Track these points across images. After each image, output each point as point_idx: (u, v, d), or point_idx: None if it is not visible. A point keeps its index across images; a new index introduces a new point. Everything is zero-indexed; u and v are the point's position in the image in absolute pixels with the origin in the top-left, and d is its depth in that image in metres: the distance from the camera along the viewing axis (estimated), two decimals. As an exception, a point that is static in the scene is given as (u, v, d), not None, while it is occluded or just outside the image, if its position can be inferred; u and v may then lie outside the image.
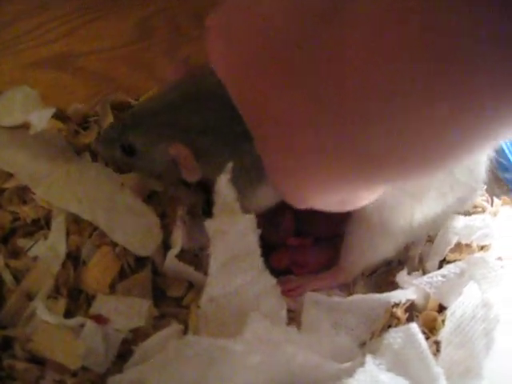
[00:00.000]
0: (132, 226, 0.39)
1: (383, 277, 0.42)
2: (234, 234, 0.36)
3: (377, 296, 0.36)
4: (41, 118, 0.38)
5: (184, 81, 0.36)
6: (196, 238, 0.41)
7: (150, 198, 0.43)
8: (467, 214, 0.41)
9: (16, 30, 0.54)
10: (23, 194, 0.41)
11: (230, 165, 0.33)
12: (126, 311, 0.36)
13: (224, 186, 0.33)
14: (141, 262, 0.40)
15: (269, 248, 0.40)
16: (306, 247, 0.43)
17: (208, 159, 0.35)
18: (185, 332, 0.35)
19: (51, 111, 0.39)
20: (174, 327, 0.35)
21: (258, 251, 0.36)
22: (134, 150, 0.36)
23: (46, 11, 0.56)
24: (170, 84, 0.36)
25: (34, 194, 0.40)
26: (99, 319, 0.35)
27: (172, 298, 0.39)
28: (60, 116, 0.43)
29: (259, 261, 0.36)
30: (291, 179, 0.28)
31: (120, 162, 0.38)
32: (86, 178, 0.41)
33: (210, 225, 0.36)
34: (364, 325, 0.37)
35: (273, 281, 0.37)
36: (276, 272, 0.38)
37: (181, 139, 0.35)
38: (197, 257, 0.40)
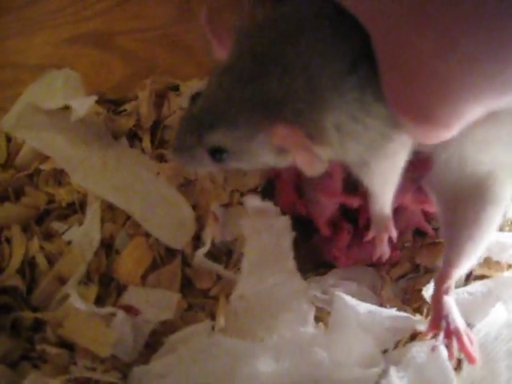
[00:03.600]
0: (166, 217, 0.39)
1: (410, 283, 0.42)
2: (268, 234, 0.36)
3: (404, 316, 0.36)
4: (82, 105, 0.38)
5: (244, 38, 0.27)
6: (228, 232, 0.41)
7: (182, 186, 0.43)
8: (501, 229, 0.41)
9: (52, 4, 0.53)
10: (59, 176, 0.41)
11: None
12: (156, 303, 0.37)
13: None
14: (171, 252, 0.40)
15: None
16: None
17: (330, 136, 0.26)
18: (213, 325, 0.36)
19: (93, 98, 0.39)
20: (204, 324, 0.35)
21: (291, 253, 0.37)
22: (224, 152, 0.28)
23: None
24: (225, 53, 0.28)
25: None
26: (130, 310, 0.36)
27: (199, 289, 0.40)
28: (98, 99, 0.43)
29: (291, 263, 0.37)
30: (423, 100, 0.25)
31: (209, 168, 0.31)
32: (123, 165, 0.41)
33: (245, 224, 0.37)
34: (389, 333, 0.38)
35: (303, 284, 0.37)
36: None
37: (282, 117, 0.26)
38: (229, 252, 0.40)
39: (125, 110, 0.45)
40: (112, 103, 0.46)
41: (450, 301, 0.35)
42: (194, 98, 0.29)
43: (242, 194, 0.42)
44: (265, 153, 0.28)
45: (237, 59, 0.27)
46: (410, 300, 0.40)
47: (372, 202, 0.35)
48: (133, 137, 0.44)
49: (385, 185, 0.33)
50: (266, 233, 0.37)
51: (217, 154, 0.28)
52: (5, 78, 0.49)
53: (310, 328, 0.36)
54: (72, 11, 0.52)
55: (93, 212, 0.39)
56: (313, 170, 0.28)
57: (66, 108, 0.40)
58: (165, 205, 0.40)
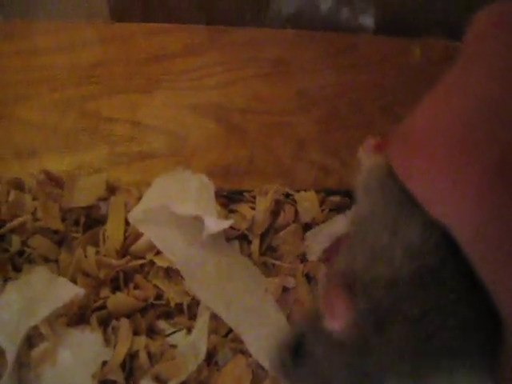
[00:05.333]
0: (268, 339, 0.40)
1: None
2: None
3: None
4: (217, 226, 0.38)
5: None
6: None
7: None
8: None
9: (174, 66, 0.53)
10: (170, 271, 0.42)
11: None
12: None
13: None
14: (267, 373, 0.41)
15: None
16: None
17: None
18: None
19: (228, 223, 0.39)
20: None
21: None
22: None
23: (210, 51, 0.54)
24: None
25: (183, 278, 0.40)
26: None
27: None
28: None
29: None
30: None
31: None
32: (235, 275, 0.42)
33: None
34: None
35: None
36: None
37: None
38: None
39: (237, 211, 0.45)
40: (226, 197, 0.46)
41: None
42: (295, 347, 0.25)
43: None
44: None
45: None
46: None
47: None
48: (242, 238, 0.45)
49: None
50: None
51: None
52: (119, 131, 0.49)
53: None
54: (195, 76, 0.52)
55: (203, 323, 0.40)
56: None
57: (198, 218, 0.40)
58: (269, 326, 0.41)
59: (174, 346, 0.40)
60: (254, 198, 0.46)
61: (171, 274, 0.42)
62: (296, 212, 0.46)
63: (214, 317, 0.41)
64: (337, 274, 0.25)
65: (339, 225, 0.46)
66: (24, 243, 0.41)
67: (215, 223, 0.39)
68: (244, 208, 0.45)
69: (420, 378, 0.23)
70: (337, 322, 0.23)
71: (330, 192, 0.47)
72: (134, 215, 0.41)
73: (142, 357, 0.40)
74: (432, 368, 0.22)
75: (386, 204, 0.24)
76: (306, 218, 0.46)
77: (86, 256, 0.41)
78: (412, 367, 0.22)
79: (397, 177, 0.22)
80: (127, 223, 0.43)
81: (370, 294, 0.23)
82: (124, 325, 0.40)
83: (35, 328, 0.37)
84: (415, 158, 0.21)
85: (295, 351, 0.25)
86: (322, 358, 0.24)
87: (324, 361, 0.24)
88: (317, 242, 0.46)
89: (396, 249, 0.23)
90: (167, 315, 0.42)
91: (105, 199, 0.43)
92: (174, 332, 0.41)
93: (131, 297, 0.41)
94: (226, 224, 0.39)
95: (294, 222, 0.46)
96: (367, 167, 0.26)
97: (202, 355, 0.39)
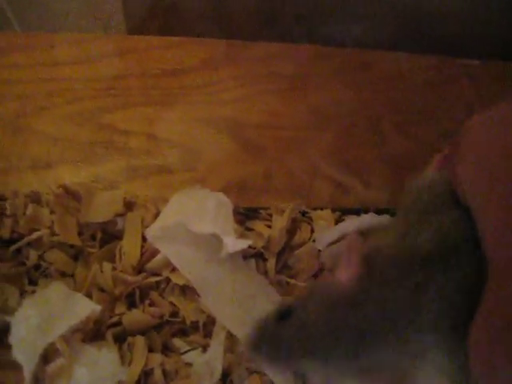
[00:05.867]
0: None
1: None
2: None
3: None
4: (235, 245, 0.38)
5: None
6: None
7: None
8: None
9: (189, 79, 0.53)
10: (186, 288, 0.42)
11: None
12: None
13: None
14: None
15: None
16: None
17: None
18: None
19: (247, 243, 0.39)
20: None
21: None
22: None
23: (226, 66, 0.54)
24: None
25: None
26: None
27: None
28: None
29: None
30: None
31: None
32: (251, 294, 0.41)
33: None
34: None
35: None
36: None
37: None
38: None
39: (253, 229, 0.45)
40: (243, 215, 0.46)
41: None
42: (283, 314, 0.28)
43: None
44: None
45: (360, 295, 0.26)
46: None
47: None
48: (258, 256, 0.45)
49: None
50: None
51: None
52: (135, 144, 0.49)
53: None
54: (212, 91, 0.52)
55: (219, 342, 0.40)
56: None
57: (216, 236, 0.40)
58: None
59: (189, 364, 0.40)
60: (271, 215, 0.46)
61: (187, 291, 0.42)
62: (312, 230, 0.46)
63: (230, 335, 0.41)
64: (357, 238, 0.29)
65: (349, 224, 0.46)
66: (41, 257, 0.41)
67: (234, 243, 0.39)
68: (260, 226, 0.45)
69: (401, 341, 0.25)
70: (349, 271, 0.27)
71: (346, 211, 0.47)
72: (151, 232, 0.41)
73: (157, 374, 0.40)
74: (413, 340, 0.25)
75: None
76: (321, 236, 0.46)
77: (102, 271, 0.41)
78: (395, 328, 0.25)
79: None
80: (144, 239, 0.43)
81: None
82: (139, 342, 0.40)
83: (51, 344, 0.37)
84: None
85: (279, 316, 0.28)
86: (313, 316, 0.27)
87: (313, 319, 0.27)
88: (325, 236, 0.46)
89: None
90: (182, 333, 0.42)
91: (121, 215, 0.43)
92: (190, 350, 0.41)
93: (147, 314, 0.41)
94: (244, 244, 0.39)
95: (309, 240, 0.45)
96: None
97: (218, 374, 0.39)
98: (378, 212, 0.46)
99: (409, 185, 0.31)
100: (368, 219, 0.45)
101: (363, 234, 0.44)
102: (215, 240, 0.42)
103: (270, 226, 0.45)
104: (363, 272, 0.27)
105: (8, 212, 0.41)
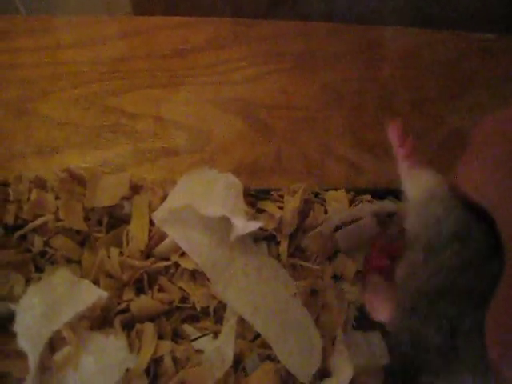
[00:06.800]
0: (296, 345, 0.39)
1: None
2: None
3: None
4: (245, 227, 0.37)
5: None
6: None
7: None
8: None
9: (196, 60, 0.52)
10: (196, 273, 0.41)
11: None
12: None
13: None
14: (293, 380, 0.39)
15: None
16: None
17: None
18: None
19: (257, 224, 0.37)
20: None
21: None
22: None
23: (234, 45, 0.53)
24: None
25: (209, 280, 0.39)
26: None
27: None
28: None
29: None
30: None
31: None
32: (263, 278, 0.40)
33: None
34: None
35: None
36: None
37: None
38: None
39: (264, 211, 0.43)
40: (253, 196, 0.44)
41: None
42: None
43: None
44: None
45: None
46: None
47: None
48: (270, 238, 0.43)
49: None
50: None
51: None
52: (142, 127, 0.48)
53: None
54: (220, 71, 0.50)
55: (229, 328, 0.38)
56: None
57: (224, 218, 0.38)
58: (297, 331, 0.39)
59: (199, 351, 0.39)
60: (282, 196, 0.44)
61: (197, 276, 0.41)
62: (325, 212, 0.44)
63: (241, 321, 0.40)
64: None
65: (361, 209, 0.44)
66: (46, 243, 0.40)
67: (244, 225, 0.37)
68: (272, 207, 0.43)
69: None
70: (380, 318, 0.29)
71: (360, 191, 0.45)
72: (159, 215, 0.39)
73: (167, 362, 0.39)
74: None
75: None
76: (335, 218, 0.44)
77: (109, 257, 0.40)
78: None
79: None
80: (151, 223, 0.41)
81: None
82: (148, 329, 0.39)
83: (57, 331, 0.36)
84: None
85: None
86: None
87: None
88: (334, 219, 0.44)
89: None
90: (193, 319, 0.40)
91: (128, 198, 0.41)
92: (200, 336, 0.39)
93: (156, 300, 0.40)
94: (255, 225, 0.37)
95: (323, 222, 0.43)
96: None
97: (229, 361, 0.38)
98: (392, 192, 0.44)
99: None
100: (380, 205, 0.44)
101: (377, 217, 0.42)
102: (225, 222, 0.40)
103: (281, 208, 0.43)
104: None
105: (11, 198, 0.40)
